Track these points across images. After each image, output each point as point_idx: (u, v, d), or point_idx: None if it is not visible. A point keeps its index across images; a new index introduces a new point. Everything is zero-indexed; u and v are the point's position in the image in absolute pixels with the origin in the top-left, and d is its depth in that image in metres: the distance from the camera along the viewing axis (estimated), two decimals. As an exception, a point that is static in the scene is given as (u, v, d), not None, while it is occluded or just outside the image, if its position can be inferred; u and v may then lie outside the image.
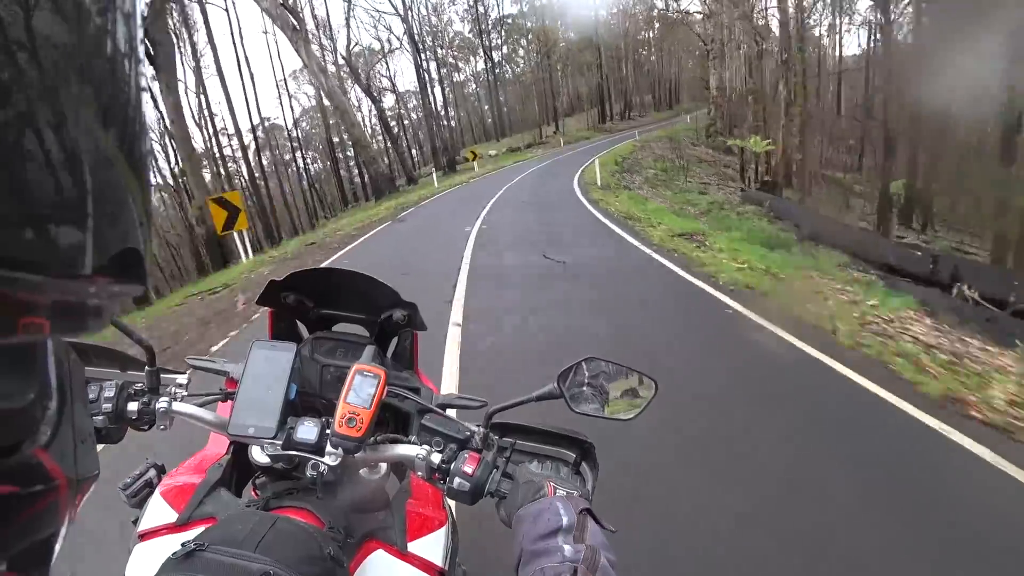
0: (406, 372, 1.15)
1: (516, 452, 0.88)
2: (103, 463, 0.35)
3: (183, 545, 0.64)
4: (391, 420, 1.11)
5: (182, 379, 0.96)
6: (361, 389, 0.85)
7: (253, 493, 0.95)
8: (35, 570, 0.26)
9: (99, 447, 0.88)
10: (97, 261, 0.22)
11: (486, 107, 57.23)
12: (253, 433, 0.84)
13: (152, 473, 1.01)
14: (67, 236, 0.20)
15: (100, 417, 0.86)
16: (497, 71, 53.44)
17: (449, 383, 3.86)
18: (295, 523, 0.73)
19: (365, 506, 1.04)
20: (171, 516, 0.89)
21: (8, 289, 0.19)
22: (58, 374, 0.27)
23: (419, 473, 0.87)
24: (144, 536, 0.88)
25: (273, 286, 1.07)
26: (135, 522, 0.92)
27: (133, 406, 0.89)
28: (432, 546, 0.93)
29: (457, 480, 0.82)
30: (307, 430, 0.85)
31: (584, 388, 0.84)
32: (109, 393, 0.87)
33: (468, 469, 0.82)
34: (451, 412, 0.99)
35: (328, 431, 0.84)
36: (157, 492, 0.94)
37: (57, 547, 0.27)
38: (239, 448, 1.03)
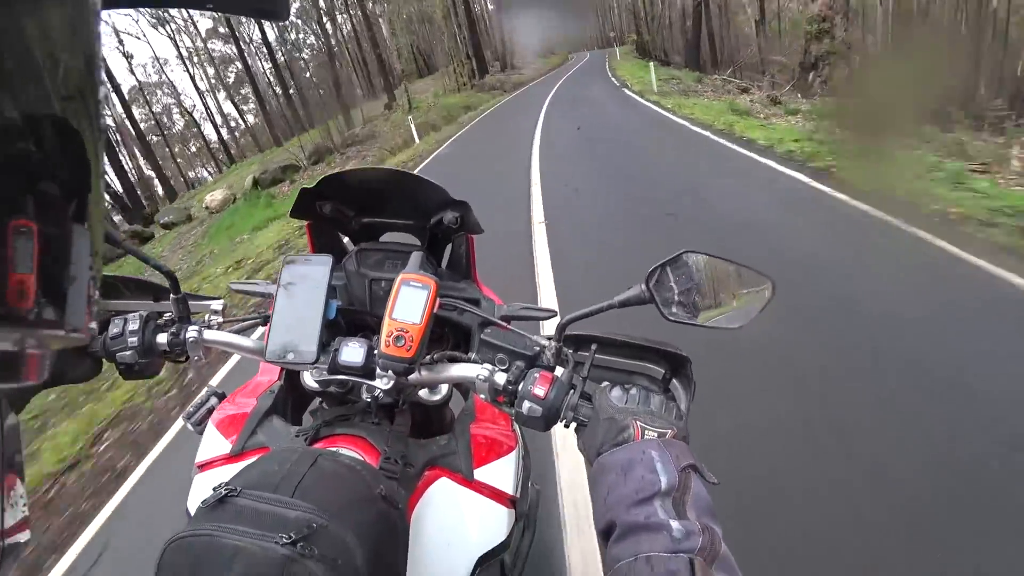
0: (463, 282, 1.02)
1: (595, 369, 0.74)
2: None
3: (214, 490, 0.56)
4: (451, 336, 1.00)
5: (216, 304, 0.88)
6: (408, 302, 0.72)
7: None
8: None
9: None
10: (39, 309, 0.21)
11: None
12: (292, 359, 0.75)
13: (214, 401, 0.97)
14: (16, 283, 0.20)
15: (128, 352, 0.79)
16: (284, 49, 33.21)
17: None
18: (340, 460, 0.64)
19: (426, 430, 0.96)
20: (225, 447, 0.84)
21: None
22: None
23: (482, 396, 0.75)
24: (202, 467, 0.84)
25: (306, 194, 0.94)
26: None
27: (162, 338, 0.81)
28: (501, 472, 0.83)
29: (527, 404, 0.68)
30: (352, 352, 0.75)
31: (679, 290, 0.67)
32: (133, 326, 0.79)
33: (539, 391, 0.68)
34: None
35: (376, 352, 0.73)
36: (211, 422, 0.89)
37: None
38: (292, 373, 0.96)
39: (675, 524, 0.51)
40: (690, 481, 0.56)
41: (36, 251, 0.20)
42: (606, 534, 0.56)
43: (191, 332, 0.82)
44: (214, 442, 0.85)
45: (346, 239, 1.07)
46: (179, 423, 3.05)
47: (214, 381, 3.28)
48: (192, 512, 0.74)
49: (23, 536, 0.28)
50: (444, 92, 27.11)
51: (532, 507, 1.03)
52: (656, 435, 0.60)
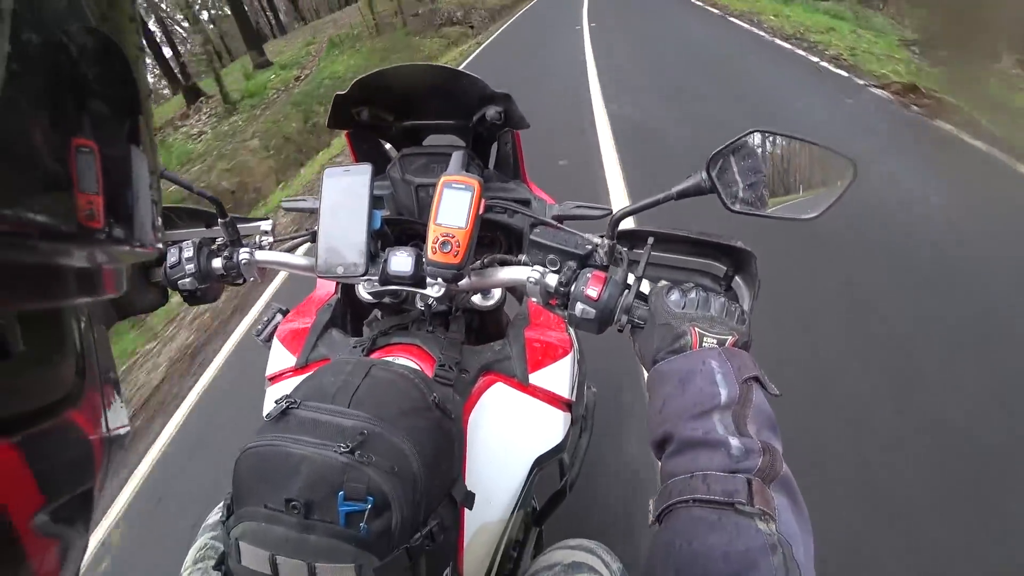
0: (512, 182, 0.98)
1: (651, 267, 0.69)
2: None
3: (276, 403, 0.59)
4: (502, 239, 0.97)
5: (266, 225, 0.88)
6: (452, 206, 0.69)
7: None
8: (77, 522, 0.27)
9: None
10: (108, 227, 0.23)
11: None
12: (341, 272, 0.75)
13: (278, 317, 1.00)
14: (85, 203, 0.22)
15: (187, 279, 0.81)
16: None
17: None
18: (394, 369, 0.65)
19: (481, 336, 0.97)
20: (291, 360, 0.87)
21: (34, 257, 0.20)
22: (82, 336, 0.27)
23: (534, 299, 0.73)
24: (272, 380, 0.88)
25: (340, 101, 0.90)
26: None
27: (217, 263, 0.83)
28: (556, 376, 0.83)
29: (580, 306, 0.66)
30: (401, 261, 0.75)
31: (745, 177, 0.60)
32: (188, 254, 0.81)
33: (592, 292, 0.65)
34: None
35: (424, 260, 0.72)
36: (276, 337, 0.93)
37: (95, 502, 0.28)
38: (348, 286, 0.97)
39: (734, 441, 0.48)
40: (751, 394, 0.52)
41: (99, 171, 0.22)
42: (661, 446, 0.55)
43: (243, 254, 0.83)
44: (281, 356, 0.89)
45: (388, 146, 1.04)
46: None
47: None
48: None
49: (124, 430, 0.32)
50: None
51: (589, 409, 1.04)
52: (716, 342, 0.56)
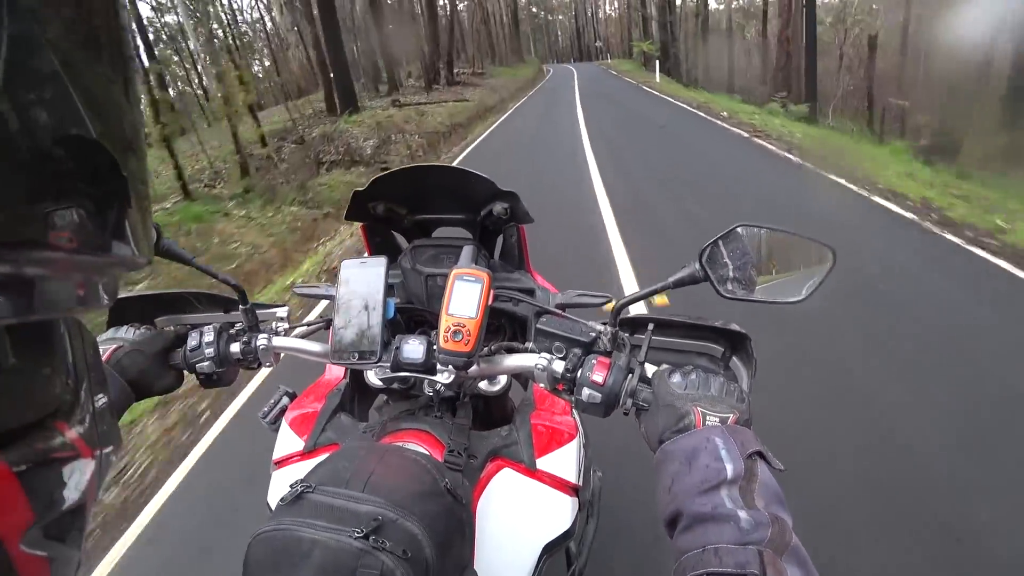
0: (517, 272, 1.03)
1: (652, 351, 0.73)
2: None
3: (291, 487, 0.60)
4: (508, 327, 1.01)
5: (282, 312, 0.92)
6: (463, 296, 0.74)
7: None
8: (69, 538, 0.26)
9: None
10: (106, 237, 0.24)
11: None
12: (356, 359, 0.77)
13: (286, 400, 1.01)
14: (85, 214, 0.22)
15: (206, 363, 0.83)
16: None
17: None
18: (406, 454, 0.66)
19: (487, 421, 0.98)
20: (299, 444, 0.88)
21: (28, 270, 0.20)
22: (73, 349, 0.27)
23: (541, 384, 0.76)
24: (279, 464, 0.88)
25: (358, 197, 0.97)
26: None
27: (235, 347, 0.86)
28: (563, 461, 0.84)
29: (586, 391, 0.69)
30: (413, 349, 0.78)
31: (734, 265, 0.65)
32: (209, 338, 0.84)
33: (597, 377, 0.69)
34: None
35: (435, 348, 0.76)
36: (284, 421, 0.94)
37: (88, 517, 0.28)
38: (357, 371, 1.00)
39: (743, 514, 0.50)
40: (756, 468, 0.54)
41: (86, 182, 0.22)
42: (672, 524, 0.55)
43: (261, 340, 0.86)
44: (288, 440, 0.90)
45: (400, 238, 1.10)
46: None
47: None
48: (272, 507, 0.79)
49: (115, 443, 0.31)
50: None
51: (595, 494, 1.03)
52: (718, 420, 0.59)
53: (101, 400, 0.30)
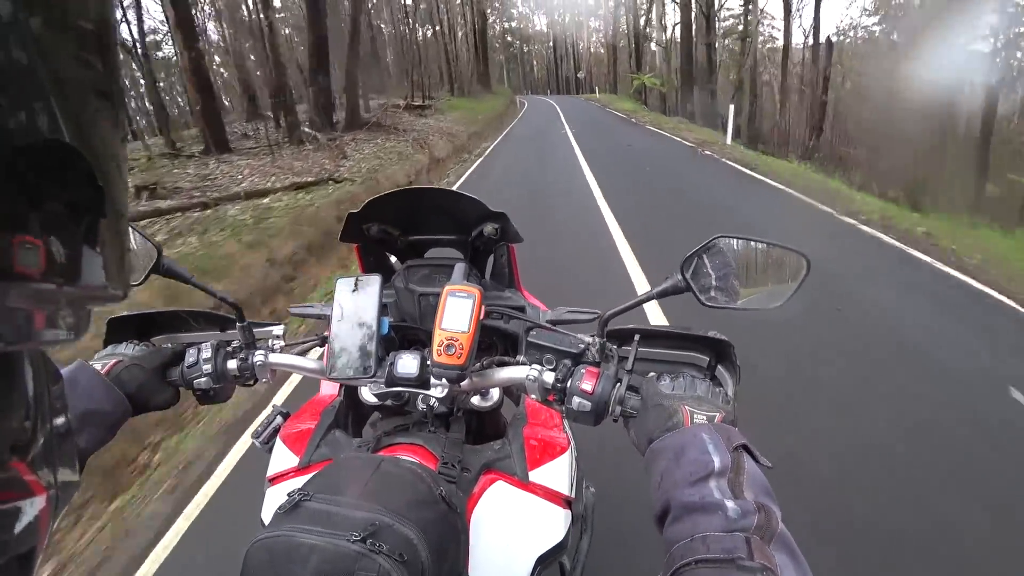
0: (508, 291, 1.06)
1: (639, 361, 0.76)
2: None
3: (289, 496, 0.61)
4: (499, 345, 1.03)
5: (278, 330, 0.93)
6: (456, 311, 0.76)
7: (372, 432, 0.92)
8: None
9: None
10: (73, 266, 0.22)
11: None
12: (352, 375, 0.79)
13: (279, 420, 1.02)
14: (63, 246, 0.21)
15: (203, 379, 0.85)
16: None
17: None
18: (402, 464, 0.68)
19: (480, 436, 0.99)
20: (293, 460, 0.89)
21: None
22: (35, 382, 0.26)
23: (533, 395, 0.78)
24: (273, 480, 0.89)
25: (353, 218, 1.00)
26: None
27: (232, 364, 0.87)
28: (556, 473, 0.85)
29: (576, 400, 0.71)
30: (406, 364, 0.79)
31: (716, 276, 0.68)
32: (206, 354, 0.85)
33: (586, 386, 0.71)
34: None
35: (429, 362, 0.77)
36: (279, 439, 0.95)
37: (37, 562, 0.26)
38: (351, 389, 1.01)
39: (730, 504, 0.51)
40: (743, 461, 0.56)
41: (57, 211, 0.21)
42: (662, 517, 0.57)
43: (258, 357, 0.88)
44: (283, 457, 0.91)
45: (393, 258, 1.13)
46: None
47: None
48: (267, 523, 0.79)
49: (72, 480, 0.30)
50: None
51: (588, 508, 1.04)
52: (705, 419, 0.61)
53: (60, 434, 0.28)
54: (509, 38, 68.62)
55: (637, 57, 37.29)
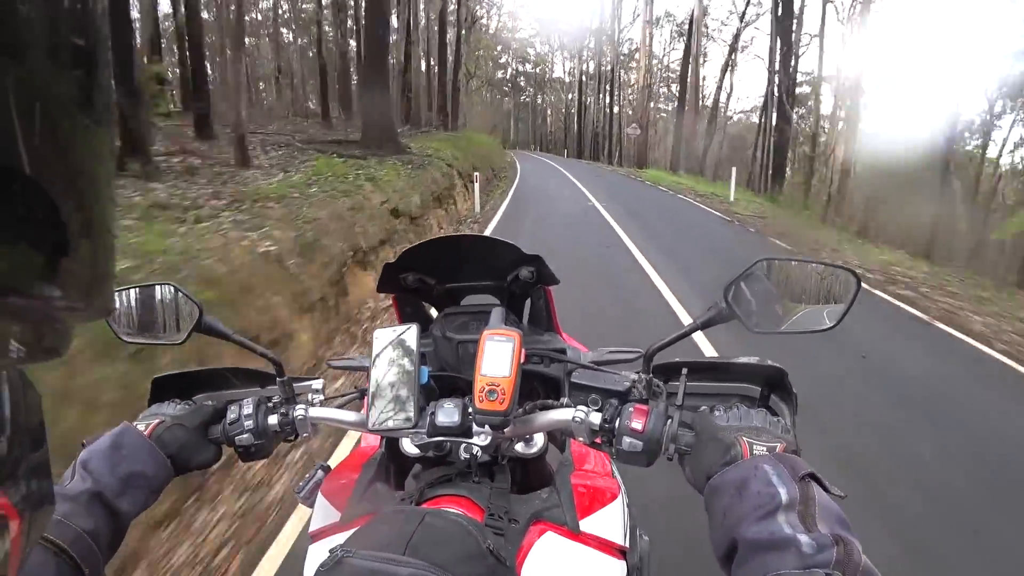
0: (547, 334, 1.04)
1: (689, 396, 0.72)
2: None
3: (330, 553, 0.59)
4: (540, 389, 1.01)
5: (317, 384, 0.93)
6: (495, 356, 0.75)
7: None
8: None
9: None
10: (67, 283, 0.22)
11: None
12: (392, 426, 0.78)
13: (320, 474, 1.00)
14: (40, 257, 0.20)
15: (245, 435, 0.84)
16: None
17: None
18: (447, 517, 0.65)
19: (526, 485, 0.96)
20: (335, 515, 0.87)
21: None
22: (13, 405, 0.25)
23: (580, 438, 0.75)
24: (315, 536, 0.87)
25: (389, 269, 1.01)
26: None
27: (273, 419, 0.87)
28: (608, 521, 0.81)
29: (626, 440, 0.68)
30: (448, 413, 0.78)
31: (759, 301, 0.66)
32: (248, 411, 0.85)
33: (636, 425, 0.68)
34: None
35: (470, 410, 0.76)
36: (320, 494, 0.93)
37: None
38: (392, 441, 0.99)
39: (804, 538, 0.47)
40: (812, 491, 0.52)
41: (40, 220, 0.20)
42: (728, 558, 0.53)
43: (299, 411, 0.88)
44: (324, 512, 0.89)
45: (430, 307, 1.13)
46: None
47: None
48: None
49: (48, 508, 0.28)
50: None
51: (644, 558, 0.98)
52: (765, 449, 0.57)
53: (37, 458, 0.27)
54: (523, 82, 57.74)
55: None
